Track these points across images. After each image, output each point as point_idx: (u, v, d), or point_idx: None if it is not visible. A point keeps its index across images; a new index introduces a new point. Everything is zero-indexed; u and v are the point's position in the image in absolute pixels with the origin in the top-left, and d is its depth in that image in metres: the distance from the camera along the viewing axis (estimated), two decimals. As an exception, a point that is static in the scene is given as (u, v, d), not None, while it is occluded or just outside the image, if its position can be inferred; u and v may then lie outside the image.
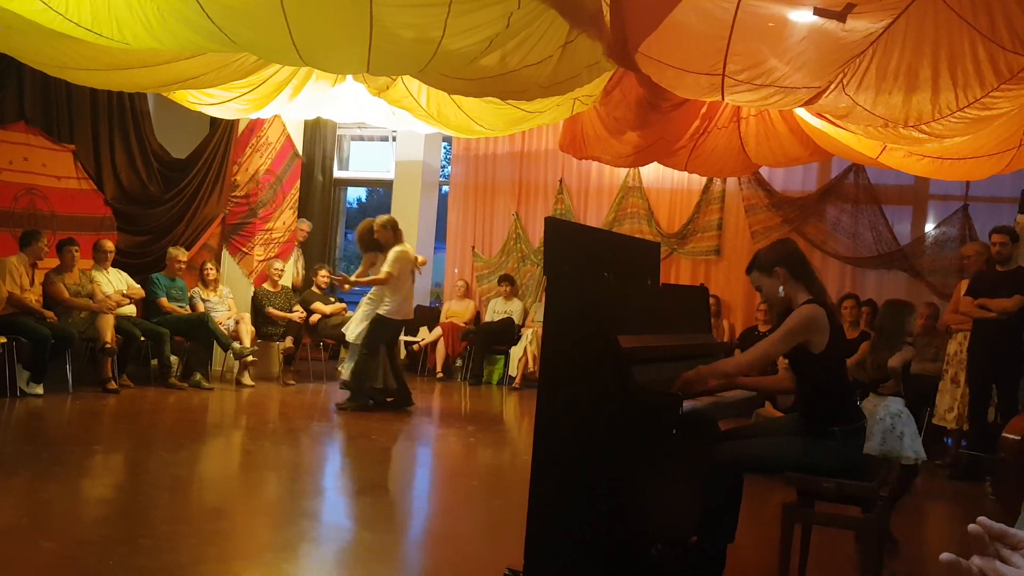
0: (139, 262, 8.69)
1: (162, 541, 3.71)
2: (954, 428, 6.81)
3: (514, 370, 9.61)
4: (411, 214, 10.72)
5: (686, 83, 5.44)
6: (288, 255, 9.92)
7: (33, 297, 7.17)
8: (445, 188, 11.35)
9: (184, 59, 5.86)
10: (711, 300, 6.47)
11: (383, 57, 4.90)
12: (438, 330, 10.17)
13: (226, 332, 8.35)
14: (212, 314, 8.39)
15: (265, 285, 9.34)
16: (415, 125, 8.03)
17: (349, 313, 8.66)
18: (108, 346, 7.35)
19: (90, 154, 8.35)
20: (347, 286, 8.33)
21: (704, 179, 9.51)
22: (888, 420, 4.47)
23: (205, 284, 8.77)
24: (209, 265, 8.88)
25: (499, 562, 3.42)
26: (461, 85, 5.69)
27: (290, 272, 9.93)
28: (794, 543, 3.38)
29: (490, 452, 6.66)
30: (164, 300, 8.27)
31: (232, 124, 9.28)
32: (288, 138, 10.10)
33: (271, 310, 9.10)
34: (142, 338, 7.78)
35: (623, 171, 9.85)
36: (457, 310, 10.43)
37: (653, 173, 9.78)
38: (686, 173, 9.03)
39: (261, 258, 9.76)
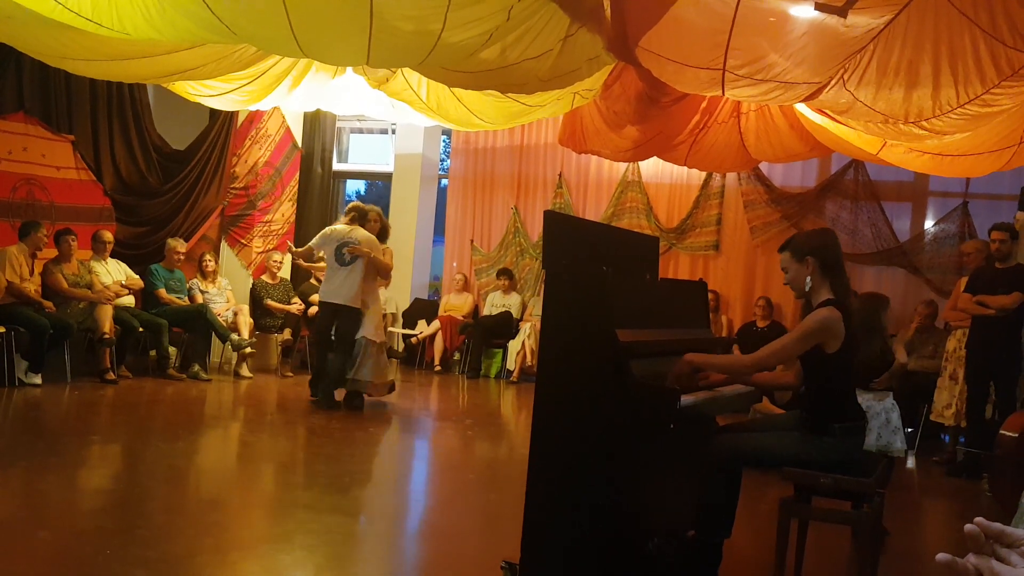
0: (138, 253, 8.68)
1: (159, 532, 3.72)
2: (952, 425, 6.83)
3: (512, 364, 9.62)
4: (410, 207, 10.72)
5: (686, 78, 5.44)
6: (286, 247, 9.92)
7: (32, 287, 7.17)
8: (444, 181, 11.34)
9: (184, 50, 5.84)
10: (710, 295, 6.46)
11: (383, 49, 4.89)
12: (436, 323, 10.17)
13: (224, 324, 8.35)
14: (211, 305, 8.39)
15: (264, 277, 9.35)
16: (415, 118, 8.02)
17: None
18: (106, 337, 7.35)
19: (89, 144, 8.33)
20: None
21: (703, 174, 9.50)
22: (883, 415, 4.53)
23: (204, 275, 8.76)
24: (208, 256, 8.88)
25: (496, 555, 3.43)
26: (461, 78, 5.68)
27: (288, 265, 9.93)
28: (791, 538, 3.39)
29: (487, 445, 6.67)
30: (163, 291, 8.27)
31: (231, 116, 9.26)
32: (287, 130, 10.10)
33: (269, 302, 9.11)
34: (140, 329, 7.77)
35: (622, 165, 9.84)
36: (455, 303, 10.43)
37: (652, 168, 9.76)
38: (685, 168, 9.03)
39: (260, 250, 9.77)
